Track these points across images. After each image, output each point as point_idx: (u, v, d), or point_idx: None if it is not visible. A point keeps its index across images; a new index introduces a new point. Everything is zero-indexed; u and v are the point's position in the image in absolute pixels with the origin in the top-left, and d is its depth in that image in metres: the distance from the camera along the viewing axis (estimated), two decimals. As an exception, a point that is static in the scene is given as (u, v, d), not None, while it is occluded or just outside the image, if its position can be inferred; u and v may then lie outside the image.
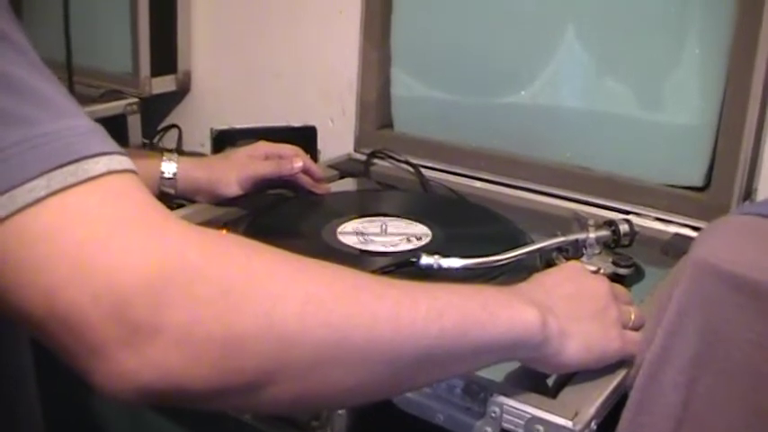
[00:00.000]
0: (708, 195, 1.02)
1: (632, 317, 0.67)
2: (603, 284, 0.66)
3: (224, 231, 0.88)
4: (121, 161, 0.46)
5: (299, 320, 0.45)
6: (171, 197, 1.01)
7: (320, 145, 1.34)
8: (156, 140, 1.62)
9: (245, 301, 0.44)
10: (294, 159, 1.05)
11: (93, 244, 0.42)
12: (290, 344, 0.45)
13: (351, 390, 0.49)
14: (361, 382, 0.49)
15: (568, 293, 0.63)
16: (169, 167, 0.99)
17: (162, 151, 1.02)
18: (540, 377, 0.64)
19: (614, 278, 0.80)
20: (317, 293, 0.47)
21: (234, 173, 1.02)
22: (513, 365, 0.65)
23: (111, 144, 0.46)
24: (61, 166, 0.42)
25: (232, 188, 1.02)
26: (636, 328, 0.66)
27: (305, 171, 1.06)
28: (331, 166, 1.25)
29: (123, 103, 1.48)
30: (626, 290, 0.72)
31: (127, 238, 0.43)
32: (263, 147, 1.07)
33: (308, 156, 1.09)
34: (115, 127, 1.45)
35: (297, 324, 0.45)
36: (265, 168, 1.04)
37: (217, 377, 0.43)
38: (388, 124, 1.31)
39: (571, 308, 0.61)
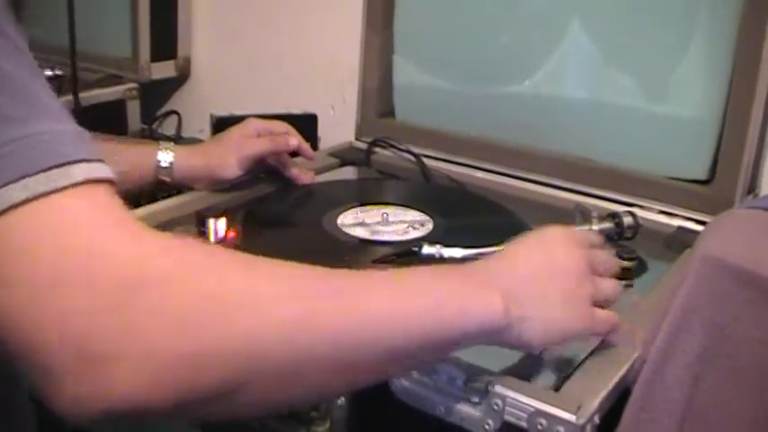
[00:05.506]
0: (712, 189, 1.01)
1: (608, 291, 0.64)
2: (578, 260, 0.62)
3: (224, 219, 0.87)
4: (100, 169, 0.45)
5: (271, 333, 0.45)
6: (168, 186, 1.00)
7: (321, 132, 1.33)
8: (155, 126, 1.61)
9: (217, 316, 0.44)
10: (288, 138, 1.04)
11: (69, 256, 0.41)
12: (258, 356, 0.45)
13: (318, 392, 0.51)
14: (326, 387, 0.50)
15: (536, 273, 0.60)
16: (165, 157, 0.98)
17: (158, 140, 1.01)
18: (542, 370, 0.64)
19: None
20: (290, 307, 0.47)
21: (232, 154, 1.01)
22: (515, 356, 0.64)
23: (92, 151, 0.46)
24: (40, 171, 0.42)
25: (232, 170, 1.00)
26: (608, 303, 0.64)
27: (297, 149, 1.06)
28: (331, 155, 1.24)
29: (122, 88, 1.47)
30: (608, 256, 0.67)
31: (104, 249, 0.43)
32: (253, 124, 1.05)
33: (302, 137, 1.08)
34: (114, 112, 1.45)
35: (270, 336, 0.45)
36: (262, 146, 1.03)
37: (179, 394, 0.43)
38: (389, 112, 1.30)
39: (536, 289, 0.59)
